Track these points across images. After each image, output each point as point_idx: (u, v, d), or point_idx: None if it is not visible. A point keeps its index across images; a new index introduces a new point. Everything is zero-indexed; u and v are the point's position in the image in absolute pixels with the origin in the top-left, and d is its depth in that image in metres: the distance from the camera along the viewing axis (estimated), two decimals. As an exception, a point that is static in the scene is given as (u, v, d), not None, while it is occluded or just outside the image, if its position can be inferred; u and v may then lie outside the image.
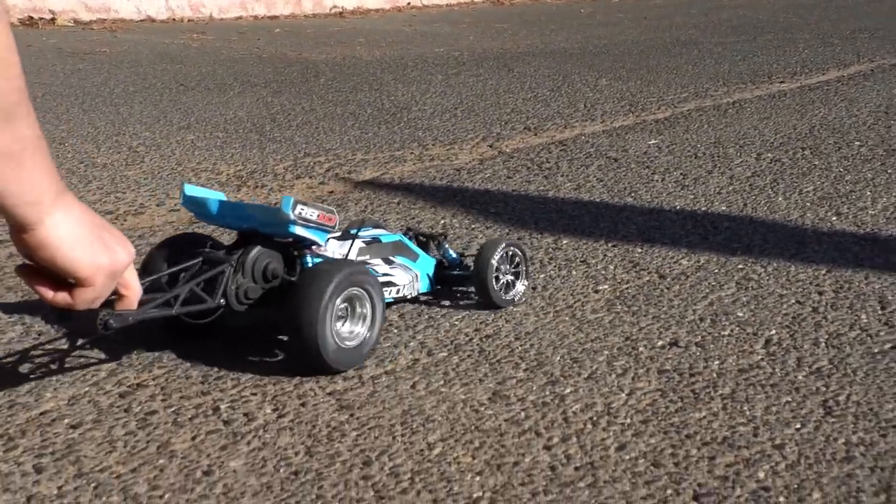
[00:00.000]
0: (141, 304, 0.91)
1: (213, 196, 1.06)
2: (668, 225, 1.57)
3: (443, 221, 1.60)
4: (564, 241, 1.49)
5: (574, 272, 1.35)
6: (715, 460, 0.86)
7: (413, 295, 1.19)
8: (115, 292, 0.88)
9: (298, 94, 2.83)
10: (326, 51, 3.93)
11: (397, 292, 1.16)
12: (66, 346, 1.07)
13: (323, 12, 5.42)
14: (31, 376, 1.00)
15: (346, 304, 1.02)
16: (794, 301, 1.22)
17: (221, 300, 0.99)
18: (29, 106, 0.74)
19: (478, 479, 0.83)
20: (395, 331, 1.14)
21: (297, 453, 0.87)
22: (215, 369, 1.03)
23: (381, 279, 1.12)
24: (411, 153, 2.12)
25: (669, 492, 0.81)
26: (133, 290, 0.89)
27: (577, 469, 0.85)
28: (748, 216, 1.61)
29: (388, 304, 1.17)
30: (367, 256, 1.14)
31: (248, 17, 5.11)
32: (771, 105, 2.62)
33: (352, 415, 0.94)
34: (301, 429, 0.91)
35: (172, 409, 0.94)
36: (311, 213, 1.02)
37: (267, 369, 1.03)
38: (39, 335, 1.09)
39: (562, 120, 2.49)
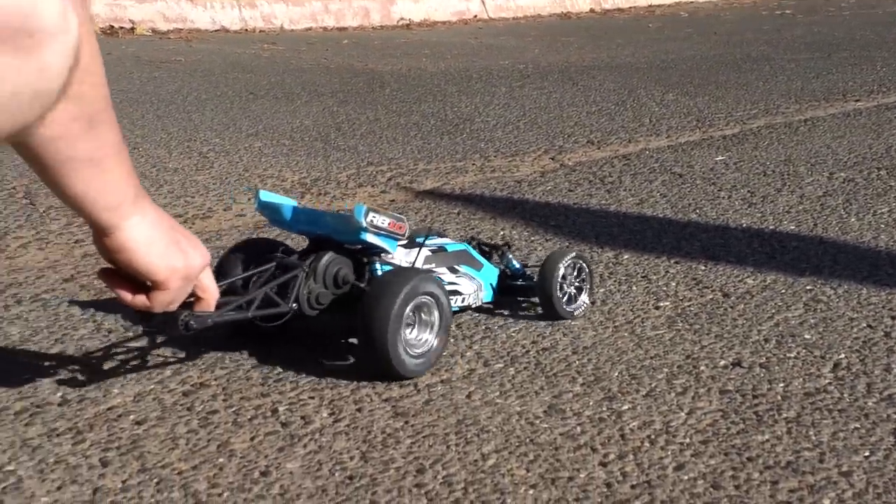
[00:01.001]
0: (218, 306, 0.93)
1: (287, 202, 1.08)
2: (734, 243, 1.54)
3: (502, 232, 1.60)
4: (625, 256, 1.48)
5: (634, 287, 1.34)
6: (778, 485, 0.84)
7: (477, 304, 1.19)
8: (193, 294, 0.91)
9: (363, 105, 2.86)
10: (392, 62, 3.96)
11: (462, 301, 1.16)
12: (133, 345, 1.10)
13: (390, 24, 5.48)
14: (100, 373, 1.02)
15: (414, 311, 1.03)
16: (864, 325, 1.19)
17: (294, 305, 1.01)
18: (112, 113, 0.76)
19: (531, 492, 0.83)
20: (452, 340, 1.15)
21: (352, 458, 0.87)
22: (275, 371, 1.04)
23: (448, 287, 1.13)
24: (473, 164, 2.12)
25: (728, 514, 0.80)
26: (210, 292, 0.91)
27: (633, 487, 0.84)
28: (818, 236, 1.57)
29: (454, 313, 1.17)
30: (434, 265, 1.15)
31: (318, 29, 5.18)
32: (845, 123, 2.56)
33: (407, 422, 0.94)
34: (356, 434, 0.92)
35: (233, 409, 0.95)
36: (382, 221, 1.03)
37: (324, 373, 1.04)
38: (109, 333, 1.12)
39: (626, 134, 2.47)
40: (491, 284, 1.22)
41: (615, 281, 1.37)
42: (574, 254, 1.21)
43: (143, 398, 0.96)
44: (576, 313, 1.22)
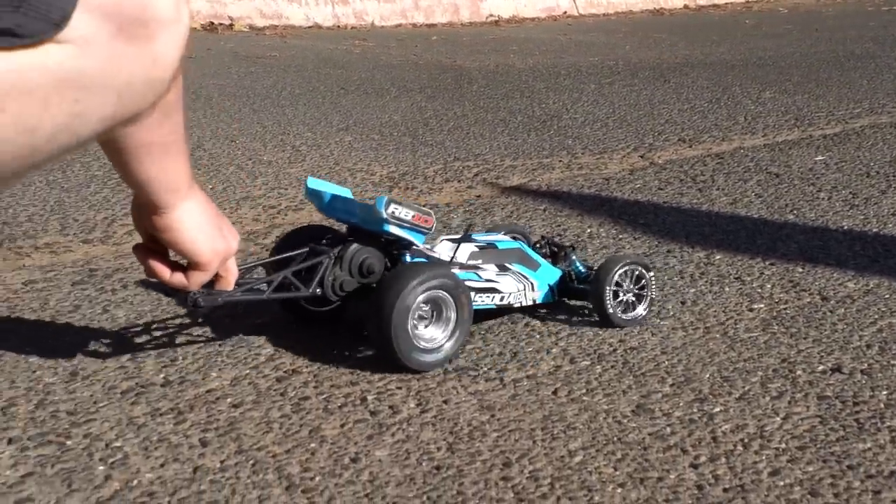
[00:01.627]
0: (238, 285, 0.96)
1: (330, 190, 1.10)
2: (834, 245, 1.49)
3: (589, 230, 1.59)
4: (718, 257, 1.45)
5: (727, 289, 1.31)
6: (880, 494, 0.81)
7: (524, 304, 1.16)
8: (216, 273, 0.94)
9: (451, 100, 2.87)
10: (480, 58, 3.97)
11: (501, 299, 1.13)
12: (230, 330, 1.12)
13: (479, 21, 5.48)
14: (199, 356, 1.05)
15: (429, 305, 1.02)
16: (972, 332, 1.14)
17: (318, 290, 1.03)
18: (182, 100, 0.79)
19: (619, 490, 0.82)
20: (538, 336, 1.14)
21: (439, 448, 0.88)
22: (364, 361, 1.05)
23: (482, 284, 1.11)
24: (560, 161, 2.11)
25: (825, 522, 0.77)
26: (231, 272, 0.94)
27: (725, 491, 0.82)
28: (922, 240, 1.51)
29: (490, 311, 1.15)
30: (480, 261, 1.14)
31: (408, 25, 5.22)
32: (952, 124, 2.45)
33: (493, 416, 0.94)
34: (443, 425, 0.92)
35: (324, 396, 0.97)
36: (405, 213, 1.04)
37: (413, 365, 1.05)
38: (204, 318, 1.16)
39: (719, 132, 2.41)
40: (549, 285, 1.19)
41: (707, 281, 1.34)
42: (630, 260, 1.16)
43: (239, 382, 0.99)
44: (631, 323, 1.15)
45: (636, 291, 1.17)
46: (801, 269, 1.38)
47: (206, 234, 0.85)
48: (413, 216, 1.04)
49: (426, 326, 1.03)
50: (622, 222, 1.64)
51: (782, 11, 6.12)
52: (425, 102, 2.83)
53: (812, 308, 1.23)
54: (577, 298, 1.21)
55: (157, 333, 1.11)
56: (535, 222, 1.64)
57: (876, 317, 1.20)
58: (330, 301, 1.05)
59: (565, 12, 5.88)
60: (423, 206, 1.24)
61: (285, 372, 1.02)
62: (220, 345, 1.08)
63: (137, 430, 0.88)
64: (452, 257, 1.11)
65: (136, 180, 0.79)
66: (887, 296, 1.27)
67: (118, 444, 0.85)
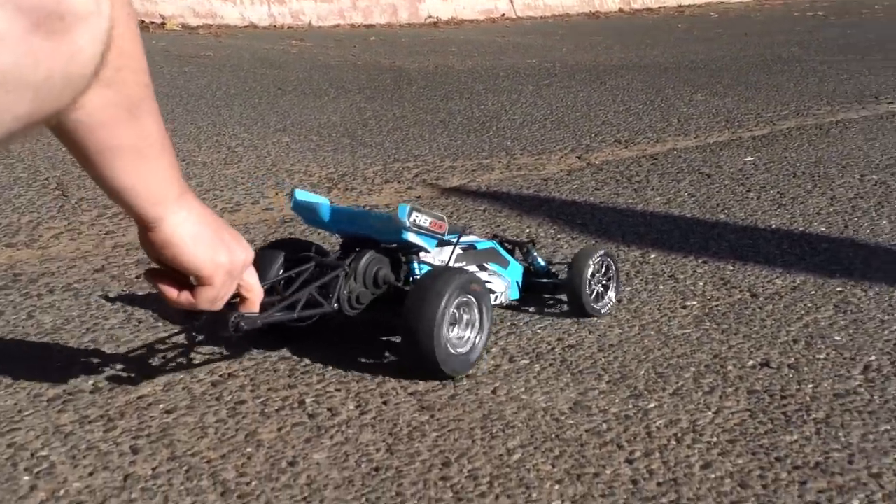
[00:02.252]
0: (263, 306, 0.93)
1: (324, 202, 1.08)
2: (763, 244, 1.53)
3: (528, 230, 1.60)
4: (652, 255, 1.47)
5: (661, 287, 1.33)
6: (806, 485, 0.83)
7: (507, 302, 1.19)
8: (237, 295, 0.91)
9: (390, 101, 2.87)
10: (420, 59, 3.97)
11: (496, 299, 1.15)
12: (163, 336, 1.11)
13: (418, 22, 5.48)
14: (131, 362, 1.03)
15: (456, 310, 1.02)
16: None
17: (335, 305, 1.01)
18: (154, 104, 0.76)
19: (557, 487, 0.83)
20: (479, 336, 1.15)
21: (378, 450, 0.88)
22: (302, 364, 1.05)
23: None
24: (499, 162, 2.12)
25: (755, 513, 0.79)
26: (255, 292, 0.91)
27: (659, 485, 0.83)
28: (849, 238, 1.56)
29: None
30: (465, 263, 1.15)
31: (346, 26, 5.20)
32: (878, 126, 2.53)
33: (432, 416, 0.95)
34: (382, 426, 0.92)
35: (260, 399, 0.96)
36: (424, 221, 1.03)
37: (350, 366, 1.04)
38: (139, 323, 1.14)
39: (654, 134, 2.45)
40: (517, 282, 1.21)
41: (642, 280, 1.36)
42: (603, 251, 1.21)
43: (172, 387, 0.97)
44: (603, 311, 1.21)
45: (604, 282, 1.22)
46: (731, 267, 1.41)
47: (206, 245, 0.81)
48: (431, 223, 1.04)
49: (455, 331, 1.02)
50: (560, 222, 1.66)
51: (713, 16, 6.25)
52: (364, 103, 2.82)
53: (742, 305, 1.26)
54: (542, 292, 1.24)
55: (86, 340, 1.08)
56: (475, 223, 1.65)
57: (802, 312, 1.23)
58: (330, 314, 1.02)
59: (503, 14, 5.92)
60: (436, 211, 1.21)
61: (221, 376, 1.00)
62: (152, 350, 1.07)
63: (65, 438, 0.86)
64: (448, 262, 1.11)
65: (114, 192, 0.76)
66: (813, 292, 1.30)
67: (44, 453, 0.83)
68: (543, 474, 0.85)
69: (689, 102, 2.95)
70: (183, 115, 2.50)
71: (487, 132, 2.44)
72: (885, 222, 1.63)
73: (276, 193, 1.80)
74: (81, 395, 0.94)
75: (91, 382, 0.97)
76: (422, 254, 1.09)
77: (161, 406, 0.93)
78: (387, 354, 1.07)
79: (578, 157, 2.18)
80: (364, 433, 0.91)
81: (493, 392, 1.01)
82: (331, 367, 1.04)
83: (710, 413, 0.96)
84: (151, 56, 3.52)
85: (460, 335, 1.03)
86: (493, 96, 3.03)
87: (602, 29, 5.51)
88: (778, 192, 1.86)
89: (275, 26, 4.95)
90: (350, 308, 1.03)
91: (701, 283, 1.35)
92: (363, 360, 1.06)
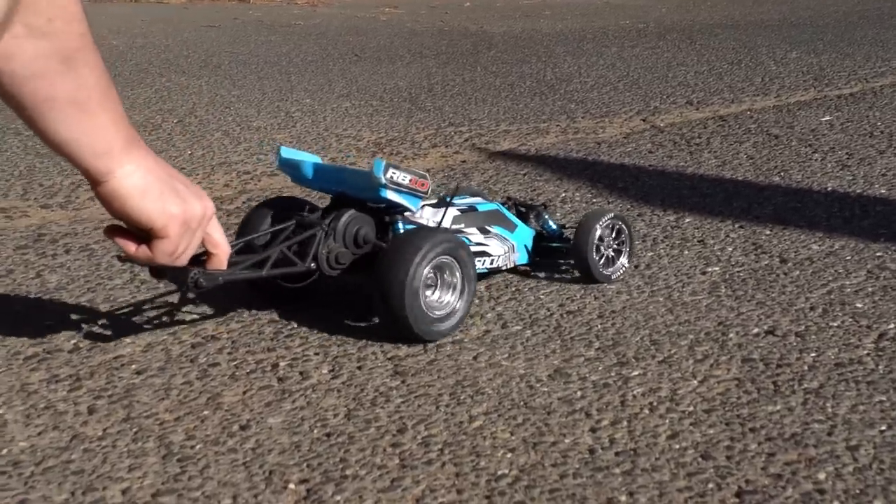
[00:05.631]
0: (231, 264, 0.93)
1: (309, 159, 1.07)
2: (811, 206, 1.43)
3: (564, 194, 1.55)
4: (687, 220, 1.40)
5: (686, 252, 1.26)
6: (774, 457, 0.77)
7: (509, 266, 1.15)
8: (206, 252, 0.90)
9: (464, 66, 2.84)
10: (508, 24, 3.90)
11: (491, 262, 1.13)
12: (163, 298, 1.13)
13: (516, -14, 5.38)
14: (121, 322, 1.05)
15: (435, 272, 1.00)
16: (927, 294, 1.08)
17: (312, 264, 1.00)
18: (94, 54, 0.75)
19: (509, 455, 0.80)
20: (477, 301, 1.12)
21: (336, 415, 0.87)
22: (290, 326, 1.05)
23: (474, 248, 1.09)
24: (557, 125, 2.06)
25: (711, 486, 0.74)
26: (222, 248, 0.89)
27: (617, 454, 0.79)
28: (908, 199, 1.44)
29: (483, 275, 1.14)
30: (462, 225, 1.12)
31: (441, -8, 5.15)
32: (979, 79, 2.33)
33: (404, 381, 0.93)
34: (349, 391, 0.91)
35: (235, 362, 0.97)
36: (402, 178, 1.00)
37: (336, 330, 1.03)
38: (142, 284, 1.16)
39: (730, 94, 2.33)
40: (525, 246, 1.18)
41: (668, 245, 1.30)
42: (612, 214, 1.16)
43: (152, 349, 0.99)
44: (613, 277, 1.16)
45: (615, 246, 1.16)
46: (768, 232, 1.33)
47: (156, 196, 0.80)
48: (410, 180, 1.01)
49: (433, 293, 1.00)
50: (600, 186, 1.60)
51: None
52: (436, 68, 2.80)
53: (767, 270, 1.18)
54: (553, 257, 1.20)
55: (84, 299, 1.11)
56: (512, 187, 1.61)
57: (829, 279, 1.14)
58: (310, 275, 1.01)
59: (605, -25, 5.73)
60: (419, 169, 1.19)
61: (203, 338, 1.02)
62: (146, 310, 1.08)
63: (27, 397, 0.88)
64: (440, 223, 1.09)
65: (55, 143, 0.76)
66: (849, 257, 1.21)
67: (1, 411, 0.86)
68: (499, 442, 0.82)
69: (780, 61, 2.79)
70: (253, 82, 2.54)
71: (554, 95, 2.38)
72: (954, 182, 1.50)
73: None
74: (59, 354, 0.97)
75: (73, 342, 0.99)
76: (412, 214, 1.06)
77: (133, 367, 0.94)
78: (375, 319, 1.05)
79: (643, 120, 2.10)
80: (328, 398, 0.90)
81: (475, 358, 0.98)
82: (316, 331, 1.03)
83: (694, 382, 0.91)
84: (244, 26, 3.59)
85: (439, 298, 1.01)
86: (572, 59, 2.95)
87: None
88: (847, 152, 1.73)
89: (369, -5, 4.97)
90: (329, 268, 1.01)
91: (730, 249, 1.27)
92: (350, 324, 1.05)
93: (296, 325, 1.05)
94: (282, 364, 0.97)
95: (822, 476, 0.74)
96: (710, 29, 3.60)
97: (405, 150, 1.87)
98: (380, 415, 0.87)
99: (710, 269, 1.20)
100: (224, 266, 0.91)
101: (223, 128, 2.02)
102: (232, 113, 2.17)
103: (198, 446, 0.81)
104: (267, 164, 1.75)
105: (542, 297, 1.13)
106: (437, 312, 1.00)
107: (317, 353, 0.99)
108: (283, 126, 2.05)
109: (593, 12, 4.31)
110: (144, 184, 0.81)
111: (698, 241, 1.30)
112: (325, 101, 2.30)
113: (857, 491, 0.72)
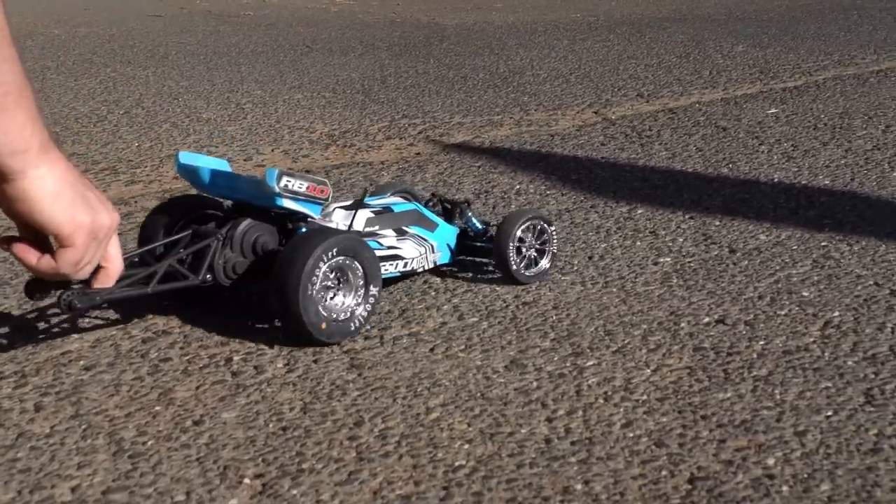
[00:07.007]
0: (120, 278, 0.86)
1: (208, 164, 1.02)
2: (758, 198, 1.46)
3: (518, 186, 1.56)
4: (639, 211, 1.42)
5: (639, 243, 1.28)
6: (725, 444, 0.79)
7: (428, 267, 1.12)
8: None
9: (416, 58, 2.83)
10: (461, 16, 3.90)
11: (405, 266, 1.09)
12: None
13: (467, -22, 5.38)
14: (68, 318, 1.03)
15: (335, 273, 0.97)
16: (871, 282, 1.11)
17: (209, 276, 0.96)
18: (10, 50, 0.73)
19: (466, 447, 0.80)
20: (433, 293, 1.12)
21: (292, 409, 0.86)
22: (244, 320, 1.03)
23: (385, 252, 1.06)
24: (510, 118, 2.07)
25: (664, 473, 0.75)
26: (113, 262, 0.83)
27: (572, 444, 0.80)
28: (852, 191, 1.47)
29: (396, 279, 1.12)
30: (377, 227, 1.09)
31: (392, -16, 5.13)
32: (919, 73, 2.39)
33: (360, 374, 0.93)
34: (305, 385, 0.90)
35: (188, 357, 0.95)
36: (299, 186, 0.97)
37: (291, 324, 1.02)
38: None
39: (679, 87, 2.36)
40: (448, 245, 1.15)
41: (620, 236, 1.31)
42: (532, 215, 1.13)
43: (100, 344, 0.97)
44: (535, 278, 1.13)
45: (538, 246, 1.15)
46: (717, 223, 1.35)
47: (66, 202, 0.76)
48: (308, 187, 0.98)
49: (333, 297, 0.98)
50: (554, 178, 1.61)
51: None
52: (389, 60, 2.79)
53: (717, 261, 1.20)
54: (477, 256, 1.18)
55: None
56: (466, 179, 1.61)
57: (777, 268, 1.16)
58: (204, 289, 0.98)
59: (555, -32, 5.76)
60: (316, 175, 1.18)
61: (154, 333, 1.00)
62: (95, 306, 1.05)
63: (-29, 394, 0.86)
64: (350, 226, 1.06)
65: None
66: (795, 247, 1.23)
67: (-56, 408, 0.84)
68: (456, 434, 0.82)
69: (727, 54, 2.83)
70: (202, 73, 2.51)
71: (507, 88, 2.38)
72: (895, 174, 1.54)
73: (272, 150, 1.79)
74: (2, 351, 0.94)
75: (20, 337, 0.97)
76: (321, 219, 1.03)
77: (81, 363, 0.93)
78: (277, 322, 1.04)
79: (595, 113, 2.12)
80: (283, 392, 0.89)
81: (431, 350, 0.98)
82: (270, 325, 1.02)
83: (647, 371, 0.92)
84: (191, 16, 3.55)
85: (340, 301, 0.98)
86: (524, 52, 2.96)
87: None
88: (792, 144, 1.77)
89: (319, -14, 4.92)
90: (226, 278, 0.98)
91: (681, 240, 1.29)
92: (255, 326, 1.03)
93: (250, 320, 1.04)
94: (235, 358, 0.96)
95: (771, 461, 0.76)
96: (659, 22, 3.64)
97: (359, 143, 1.86)
98: (336, 408, 0.86)
99: (661, 260, 1.21)
100: (111, 282, 0.83)
101: (171, 119, 1.99)
102: (180, 104, 2.13)
103: (149, 442, 0.79)
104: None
105: (497, 288, 1.13)
106: (335, 315, 0.97)
107: (271, 347, 0.98)
108: (233, 118, 2.02)
109: (544, 5, 4.33)
110: (57, 188, 0.77)
111: (650, 233, 1.32)
112: (277, 93, 2.28)
113: (805, 475, 0.74)
